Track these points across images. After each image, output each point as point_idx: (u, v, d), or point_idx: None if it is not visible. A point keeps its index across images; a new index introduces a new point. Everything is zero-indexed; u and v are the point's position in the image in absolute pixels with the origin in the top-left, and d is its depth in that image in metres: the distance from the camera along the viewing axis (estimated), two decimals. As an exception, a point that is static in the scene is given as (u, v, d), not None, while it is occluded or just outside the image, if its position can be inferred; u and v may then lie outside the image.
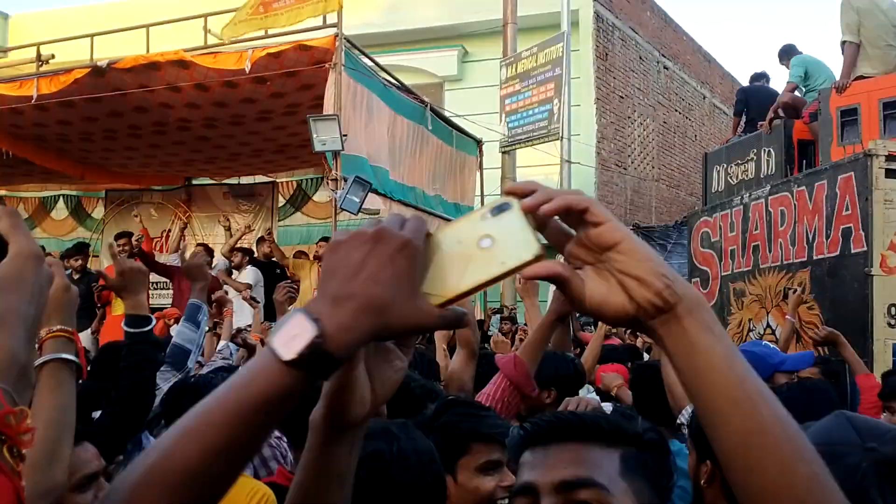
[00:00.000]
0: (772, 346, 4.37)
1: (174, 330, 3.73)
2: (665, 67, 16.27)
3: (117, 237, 9.53)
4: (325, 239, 9.08)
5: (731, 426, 0.80)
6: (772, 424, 0.79)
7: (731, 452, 0.80)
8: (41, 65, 8.69)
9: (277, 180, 11.73)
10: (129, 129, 9.16)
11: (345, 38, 7.28)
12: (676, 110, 16.84)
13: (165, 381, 2.98)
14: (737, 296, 7.27)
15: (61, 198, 13.00)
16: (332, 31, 7.22)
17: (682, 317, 0.81)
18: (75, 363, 1.59)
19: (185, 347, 2.98)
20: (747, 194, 7.42)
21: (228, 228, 8.95)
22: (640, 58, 15.37)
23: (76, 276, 8.85)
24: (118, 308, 8.94)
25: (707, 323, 0.81)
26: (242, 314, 8.52)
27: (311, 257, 9.46)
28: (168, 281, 9.58)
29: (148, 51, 8.01)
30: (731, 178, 8.55)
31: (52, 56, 8.92)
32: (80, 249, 9.55)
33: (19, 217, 0.99)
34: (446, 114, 10.62)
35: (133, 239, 9.47)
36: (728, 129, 12.65)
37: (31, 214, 13.02)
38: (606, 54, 14.06)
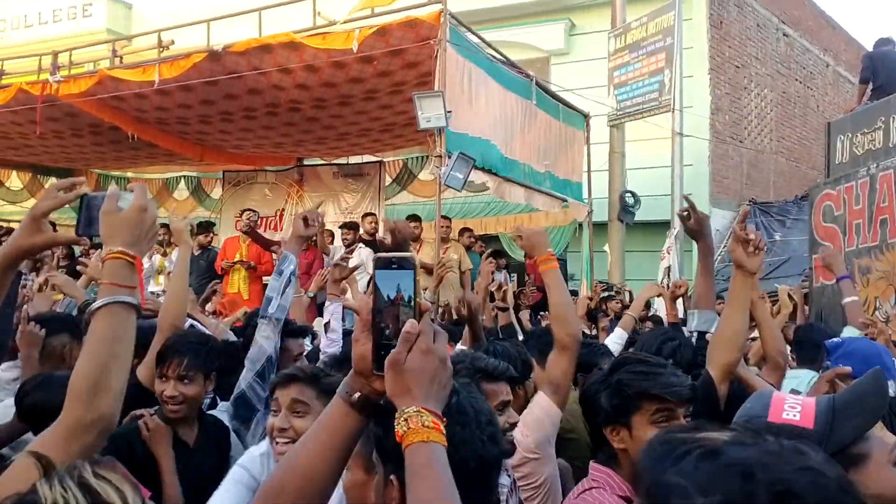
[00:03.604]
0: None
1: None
2: (785, 35, 15.47)
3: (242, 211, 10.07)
4: (414, 217, 9.28)
5: None
6: None
7: None
8: (162, 51, 9.08)
9: (384, 159, 11.89)
10: (243, 111, 9.48)
11: (450, 14, 7.26)
12: (797, 79, 16.01)
13: (258, 330, 3.22)
14: (862, 272, 6.87)
15: (182, 179, 13.65)
16: (438, 6, 7.21)
17: None
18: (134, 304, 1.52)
19: (268, 296, 3.21)
20: (874, 165, 6.99)
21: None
22: (758, 25, 14.67)
23: (198, 252, 9.32)
24: (233, 286, 9.37)
25: None
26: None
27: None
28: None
29: (260, 34, 8.23)
30: (856, 148, 8.06)
31: (172, 42, 9.30)
32: (206, 227, 10.04)
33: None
34: (553, 88, 10.46)
35: (246, 217, 9.87)
36: (853, 99, 11.93)
37: (156, 195, 13.74)
38: (721, 22, 13.50)
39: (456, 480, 1.30)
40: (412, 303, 1.30)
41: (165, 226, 11.36)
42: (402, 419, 1.21)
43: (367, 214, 10.39)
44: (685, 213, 3.13)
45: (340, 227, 10.00)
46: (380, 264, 1.34)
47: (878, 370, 1.46)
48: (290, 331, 3.64)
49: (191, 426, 3.04)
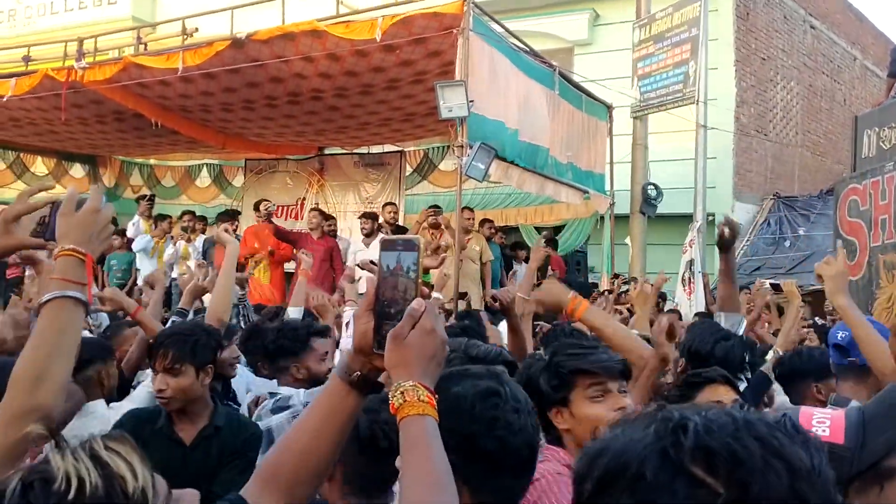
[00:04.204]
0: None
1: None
2: (812, 27, 15.27)
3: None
4: (435, 206, 9.27)
5: None
6: None
7: None
8: (186, 38, 9.11)
9: (405, 149, 11.89)
10: (265, 99, 9.50)
11: (473, 4, 7.22)
12: (823, 73, 15.80)
13: None
14: (887, 268, 6.78)
15: (205, 166, 13.74)
16: (462, -4, 7.17)
17: None
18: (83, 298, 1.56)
19: None
20: (902, 159, 6.88)
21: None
22: (785, 17, 14.49)
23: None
24: (254, 274, 9.43)
25: None
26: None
27: (416, 222, 9.59)
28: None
29: (283, 22, 8.24)
30: (883, 142, 7.94)
31: (196, 29, 9.34)
32: (231, 215, 10.10)
33: None
34: (576, 79, 10.39)
35: (264, 208, 9.88)
36: (881, 93, 11.76)
37: (178, 182, 13.84)
38: (748, 14, 13.34)
39: (508, 466, 1.42)
40: (410, 273, 1.33)
41: (191, 213, 11.48)
42: (398, 392, 1.24)
43: (387, 204, 10.40)
44: (725, 229, 3.39)
45: (360, 217, 10.02)
46: (385, 245, 1.38)
47: None
48: (316, 331, 3.69)
49: (192, 423, 2.92)
